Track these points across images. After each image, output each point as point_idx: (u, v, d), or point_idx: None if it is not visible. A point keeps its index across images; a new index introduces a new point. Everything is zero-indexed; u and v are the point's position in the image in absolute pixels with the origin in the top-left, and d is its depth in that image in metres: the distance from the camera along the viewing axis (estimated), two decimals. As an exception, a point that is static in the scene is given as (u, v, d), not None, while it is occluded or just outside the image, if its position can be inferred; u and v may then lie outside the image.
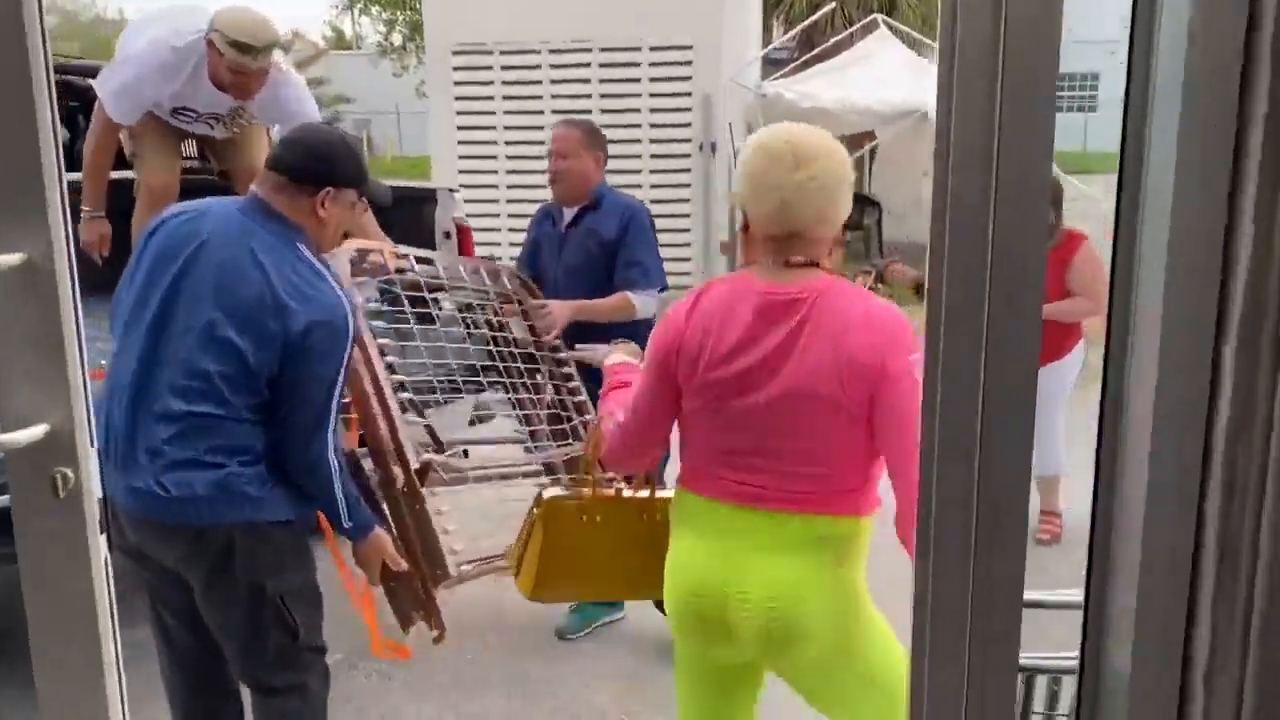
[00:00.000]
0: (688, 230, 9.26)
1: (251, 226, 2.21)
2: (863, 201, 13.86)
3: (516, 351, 3.30)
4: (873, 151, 15.62)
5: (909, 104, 11.23)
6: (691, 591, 1.89)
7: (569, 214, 3.47)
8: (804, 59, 14.48)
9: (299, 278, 2.16)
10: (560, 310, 3.33)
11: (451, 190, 4.15)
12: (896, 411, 1.72)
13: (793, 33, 15.57)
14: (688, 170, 9.14)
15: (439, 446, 2.91)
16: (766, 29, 17.12)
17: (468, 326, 3.35)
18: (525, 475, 3.25)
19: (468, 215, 9.44)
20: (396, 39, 23.66)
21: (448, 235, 4.10)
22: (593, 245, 3.39)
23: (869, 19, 14.57)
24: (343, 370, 2.19)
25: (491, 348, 3.24)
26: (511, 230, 9.53)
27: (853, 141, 14.56)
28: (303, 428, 2.18)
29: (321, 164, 2.27)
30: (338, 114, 35.49)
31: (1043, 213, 0.98)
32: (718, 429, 1.86)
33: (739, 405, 1.82)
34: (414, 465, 2.70)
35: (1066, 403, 4.37)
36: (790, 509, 1.81)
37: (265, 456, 2.18)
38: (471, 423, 3.78)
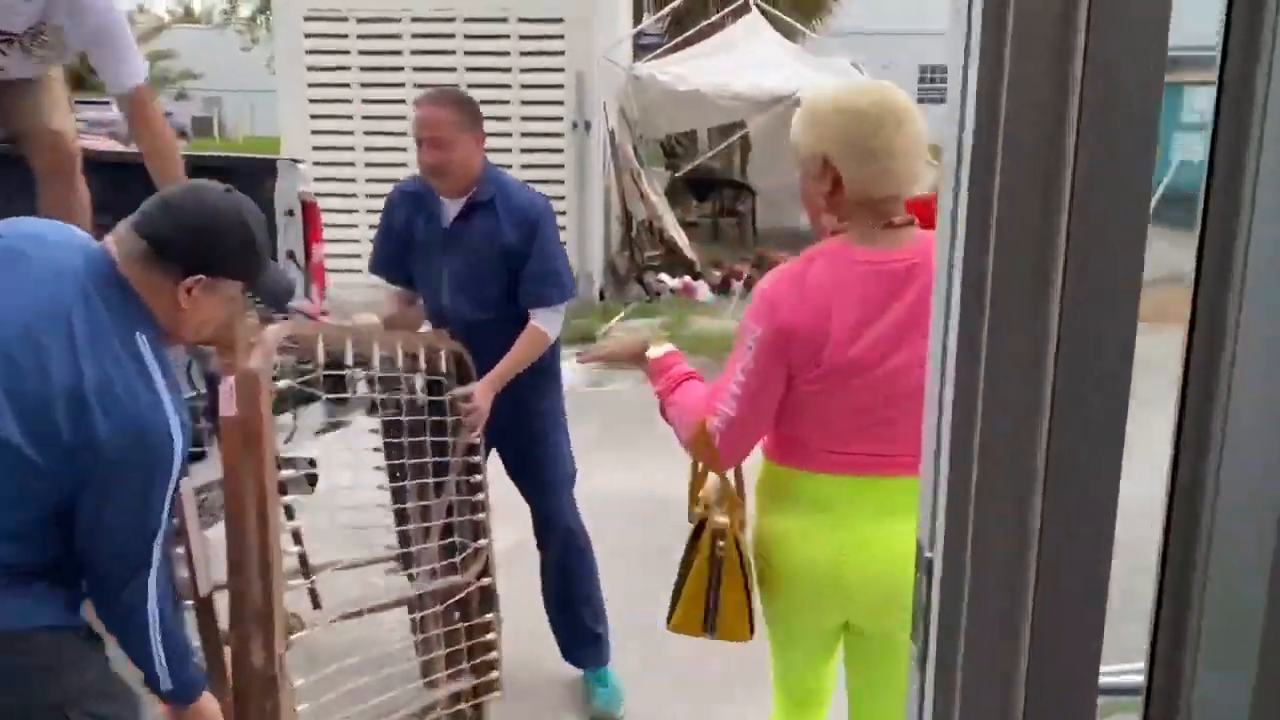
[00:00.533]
0: (563, 213, 8.74)
1: (82, 291, 1.67)
2: (738, 188, 13.71)
3: (429, 459, 2.69)
4: (744, 137, 15.50)
5: (783, 89, 11.04)
6: (811, 561, 1.89)
7: (452, 208, 2.88)
8: (674, 42, 14.23)
9: (118, 372, 1.64)
10: (485, 398, 2.75)
11: (295, 161, 3.59)
12: None
13: (663, 13, 15.23)
14: (561, 150, 8.67)
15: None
16: (636, 10, 16.76)
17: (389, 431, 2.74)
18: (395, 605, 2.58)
19: (321, 194, 8.86)
20: (245, 10, 22.28)
21: (290, 213, 3.54)
22: (487, 250, 2.85)
23: (739, 2, 14.40)
24: (164, 501, 1.68)
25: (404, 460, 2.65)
26: (370, 212, 8.88)
27: (724, 128, 14.42)
28: (110, 568, 1.69)
29: (200, 242, 1.75)
30: (184, 91, 33.78)
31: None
32: (839, 407, 1.82)
33: (865, 380, 1.78)
34: (280, 649, 2.00)
35: None
36: (904, 474, 1.78)
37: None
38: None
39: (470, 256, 2.86)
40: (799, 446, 1.87)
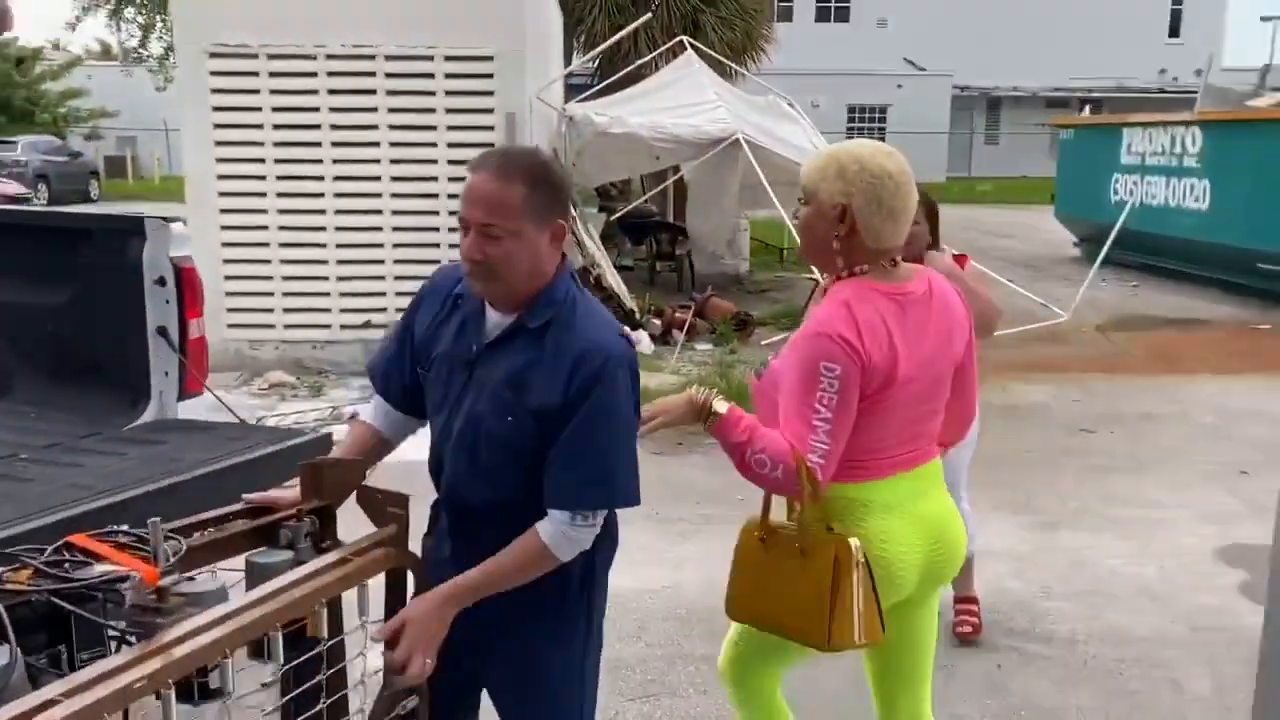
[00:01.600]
0: (491, 263, 8.18)
1: None
2: (674, 231, 13.25)
3: None
4: (679, 181, 15.08)
5: (723, 132, 10.64)
6: (901, 555, 2.21)
7: (495, 322, 2.03)
8: (606, 83, 13.81)
9: None
10: (425, 631, 1.89)
11: (166, 220, 2.96)
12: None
13: (595, 53, 14.81)
14: (490, 196, 8.08)
15: None
16: (567, 53, 16.33)
17: None
18: None
19: (230, 244, 8.17)
20: (157, 48, 21.35)
21: (161, 282, 2.92)
22: (513, 403, 1.96)
23: (675, 40, 14.03)
24: None
25: None
26: (284, 263, 8.21)
27: (658, 173, 13.98)
28: None
29: None
30: (97, 130, 32.54)
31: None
32: (891, 419, 2.16)
33: (912, 391, 2.15)
34: None
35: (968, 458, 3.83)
36: (929, 459, 2.30)
37: None
38: None
39: (491, 401, 1.98)
40: (858, 463, 2.16)
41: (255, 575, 1.93)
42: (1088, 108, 20.96)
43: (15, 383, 3.10)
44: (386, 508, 2.01)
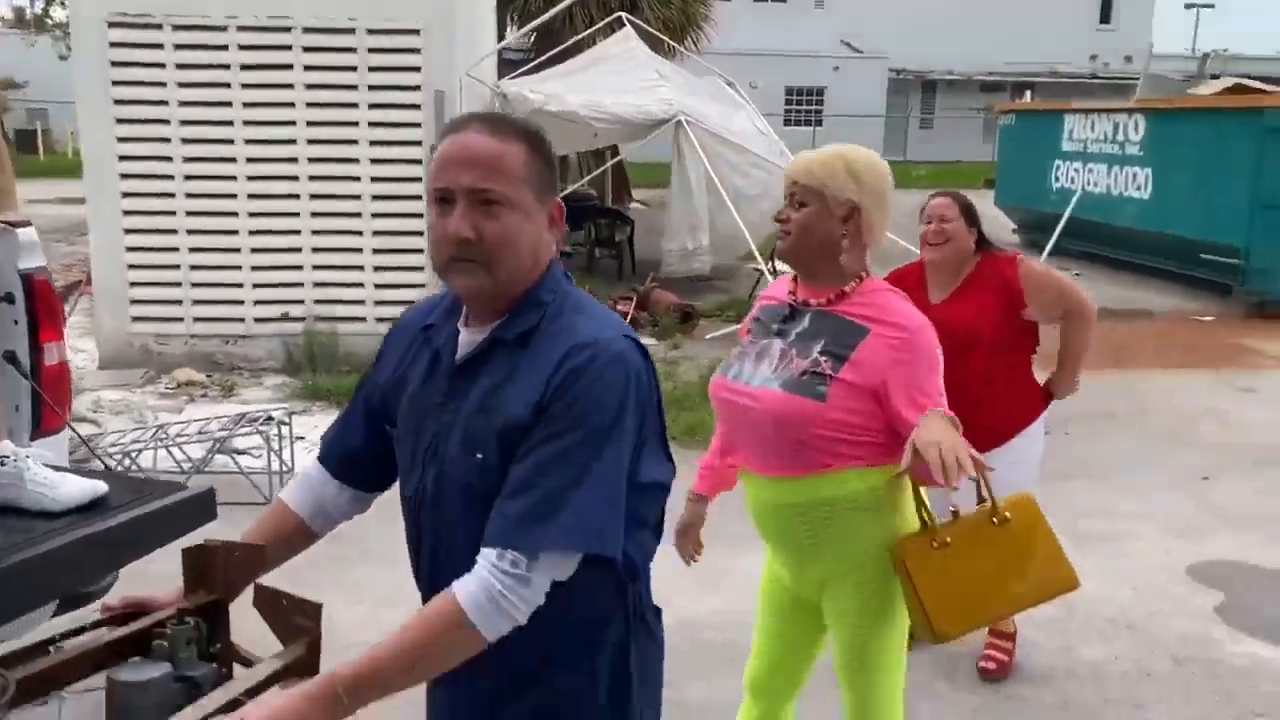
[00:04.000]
0: (419, 251, 7.69)
1: None
2: (614, 216, 12.82)
3: None
4: (619, 164, 14.64)
5: (664, 110, 10.21)
6: None
7: (467, 339, 1.59)
8: (541, 59, 13.29)
9: None
10: None
11: (11, 225, 2.45)
12: None
13: (529, 28, 14.27)
14: (418, 179, 7.57)
15: None
16: (500, 25, 15.75)
17: None
18: None
19: (131, 230, 7.53)
20: (61, 14, 20.17)
21: (8, 299, 2.42)
22: (485, 429, 1.51)
23: (612, 16, 13.55)
24: None
25: None
26: (193, 251, 7.61)
27: (597, 151, 13.54)
28: None
29: None
30: (5, 101, 30.94)
31: None
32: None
33: None
34: None
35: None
36: None
37: None
38: None
39: (463, 440, 1.53)
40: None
41: (119, 698, 1.49)
42: (1029, 93, 20.92)
43: None
44: (294, 618, 1.57)
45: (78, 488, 2.09)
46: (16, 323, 2.44)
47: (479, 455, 1.50)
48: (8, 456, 2.07)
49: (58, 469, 2.17)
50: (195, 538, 1.73)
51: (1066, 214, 10.14)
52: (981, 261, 3.42)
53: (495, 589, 1.42)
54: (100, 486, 2.11)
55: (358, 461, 1.74)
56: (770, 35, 31.79)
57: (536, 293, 1.55)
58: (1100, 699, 3.58)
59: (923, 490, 2.24)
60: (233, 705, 1.40)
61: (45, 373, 2.52)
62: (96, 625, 1.58)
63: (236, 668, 1.62)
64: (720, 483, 2.54)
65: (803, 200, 2.21)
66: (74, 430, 2.57)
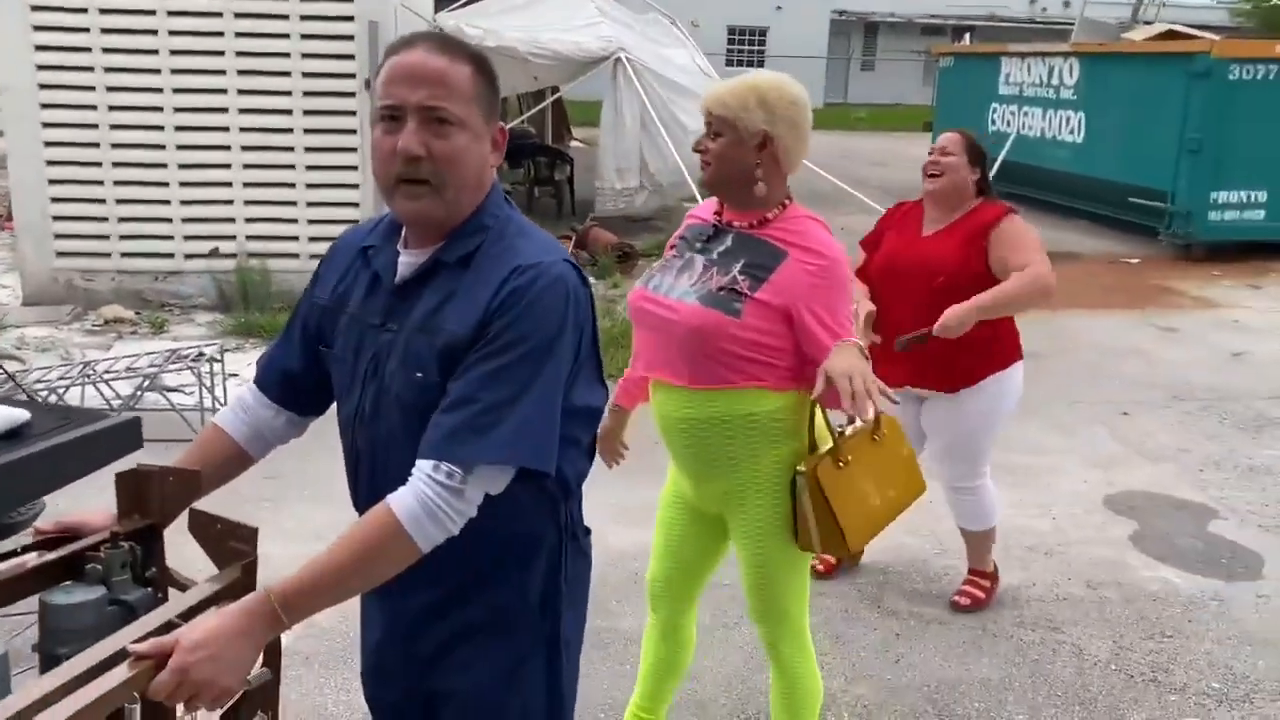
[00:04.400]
0: (354, 186, 7.58)
1: None
2: (553, 155, 12.70)
3: None
4: (558, 101, 14.47)
5: (603, 48, 10.11)
6: None
7: (409, 260, 1.59)
8: (480, -8, 13.03)
9: None
10: (207, 693, 1.35)
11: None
12: None
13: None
14: (352, 113, 7.43)
15: None
16: (437, -44, 15.36)
17: None
18: None
19: (55, 165, 7.29)
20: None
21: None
22: (426, 348, 1.53)
23: (552, -49, 13.30)
24: None
25: None
26: (119, 184, 7.41)
27: (536, 92, 13.33)
28: None
29: None
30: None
31: None
32: None
33: None
34: None
35: (992, 434, 3.67)
36: None
37: None
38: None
39: (403, 358, 1.55)
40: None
41: (53, 620, 1.49)
42: (967, 36, 21.01)
43: None
44: (229, 542, 1.58)
45: None
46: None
47: (419, 374, 1.53)
48: (-73, 386, 2.04)
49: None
50: (122, 466, 1.73)
51: (1000, 157, 10.28)
52: (977, 206, 3.51)
53: (430, 499, 1.45)
54: (21, 414, 2.09)
55: (295, 384, 1.75)
56: (713, -27, 31.43)
57: (480, 217, 1.57)
58: (1017, 622, 3.73)
59: (819, 413, 2.33)
60: (168, 627, 1.42)
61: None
62: (27, 550, 1.58)
63: (172, 592, 1.64)
64: (640, 394, 2.60)
65: (718, 131, 2.27)
66: (4, 369, 2.53)
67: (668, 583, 2.63)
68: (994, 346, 3.50)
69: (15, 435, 2.02)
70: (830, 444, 2.31)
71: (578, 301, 1.55)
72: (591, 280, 7.19)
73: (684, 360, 2.26)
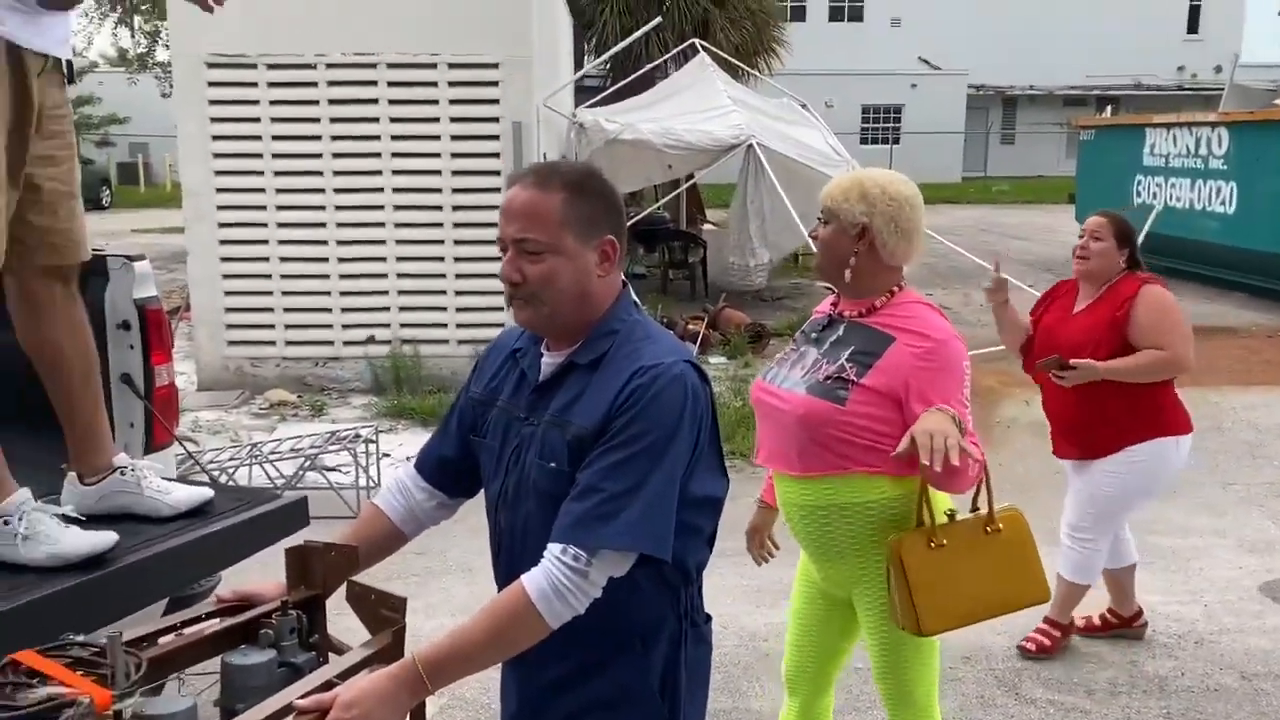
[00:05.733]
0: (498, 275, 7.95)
1: None
2: (686, 239, 13.00)
3: None
4: (692, 187, 14.83)
5: (736, 136, 10.38)
6: None
7: (549, 362, 1.80)
8: (617, 86, 13.56)
9: None
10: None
11: (130, 259, 2.73)
12: None
13: (604, 58, 14.55)
14: (496, 206, 7.83)
15: None
16: (578, 55, 16.11)
17: None
18: None
19: (228, 259, 7.93)
20: (164, 54, 21.18)
21: (125, 326, 2.69)
22: (558, 441, 1.71)
23: (686, 44, 13.79)
24: None
25: None
26: (285, 277, 7.99)
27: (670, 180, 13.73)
28: None
29: None
30: (108, 137, 32.46)
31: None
32: None
33: None
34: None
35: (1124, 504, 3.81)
36: None
37: None
38: None
39: (539, 450, 1.73)
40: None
41: (231, 679, 1.70)
42: (1109, 108, 20.59)
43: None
44: (381, 610, 1.75)
45: (186, 495, 2.33)
46: (132, 347, 2.71)
47: (552, 463, 1.70)
48: (126, 467, 2.31)
49: (167, 480, 2.40)
50: (290, 543, 1.94)
51: (1145, 229, 10.00)
52: (1122, 278, 3.69)
53: (558, 580, 1.60)
54: (206, 493, 2.34)
55: (449, 469, 1.94)
56: (846, 54, 31.78)
57: (608, 322, 1.76)
58: (1163, 713, 3.60)
59: (929, 493, 2.34)
60: (328, 686, 1.60)
61: (156, 393, 2.78)
62: (211, 615, 1.79)
63: (331, 655, 1.82)
64: None
65: (826, 220, 2.41)
66: (183, 445, 2.82)
67: (802, 668, 2.67)
68: (1133, 420, 3.63)
69: (200, 513, 2.26)
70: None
71: (696, 398, 1.69)
72: (723, 360, 7.32)
73: (795, 448, 2.33)
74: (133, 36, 22.49)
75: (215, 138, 7.84)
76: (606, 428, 1.65)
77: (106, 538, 2.04)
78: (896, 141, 31.92)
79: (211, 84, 7.79)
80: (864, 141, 30.72)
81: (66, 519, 2.09)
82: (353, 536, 1.90)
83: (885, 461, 2.26)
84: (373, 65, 7.80)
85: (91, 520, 2.15)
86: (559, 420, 1.72)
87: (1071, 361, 3.54)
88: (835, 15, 34.86)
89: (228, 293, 8.03)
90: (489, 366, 1.91)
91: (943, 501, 2.34)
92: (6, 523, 2.00)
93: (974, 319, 9.03)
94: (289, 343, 8.10)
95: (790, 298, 11.63)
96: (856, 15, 35.01)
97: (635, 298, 1.84)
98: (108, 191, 27.65)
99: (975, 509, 2.33)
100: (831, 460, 2.29)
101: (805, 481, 2.36)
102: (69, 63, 2.13)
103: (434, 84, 7.85)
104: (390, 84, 7.84)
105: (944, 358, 2.27)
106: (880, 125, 33.32)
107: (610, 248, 1.75)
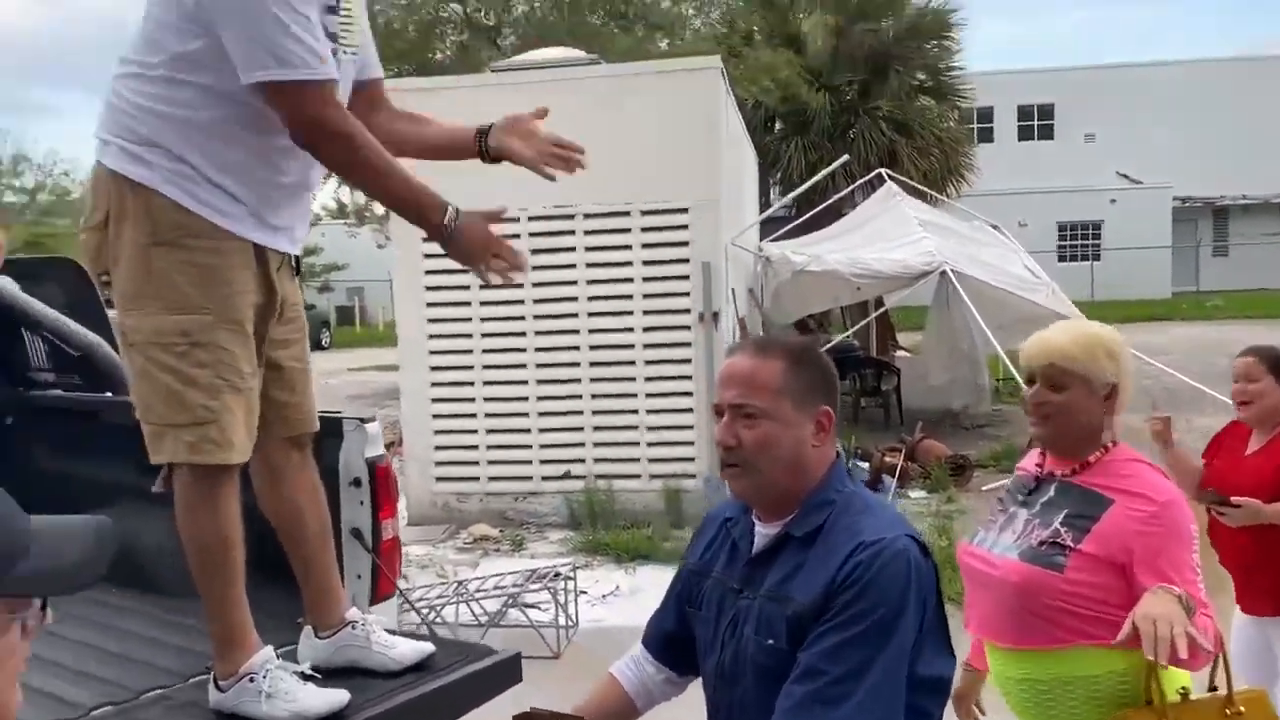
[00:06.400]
0: (690, 410, 8.09)
1: None
2: (880, 366, 12.85)
3: None
4: (883, 314, 14.71)
5: (928, 263, 10.30)
6: None
7: (762, 533, 1.81)
8: (804, 218, 13.72)
9: None
10: None
11: (362, 421, 2.96)
12: None
13: (791, 196, 14.80)
14: (688, 344, 8.04)
15: None
16: (763, 190, 16.46)
17: None
18: None
19: (438, 402, 8.41)
20: (380, 208, 23.02)
21: (356, 483, 2.90)
22: (776, 616, 1.70)
23: (873, 174, 13.87)
24: None
25: None
26: (489, 416, 8.39)
27: (860, 305, 13.70)
28: None
29: None
30: (328, 283, 35.24)
31: None
32: None
33: None
34: None
35: None
36: None
37: None
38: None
39: (757, 625, 1.72)
40: None
41: None
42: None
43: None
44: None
45: (411, 649, 2.45)
46: (362, 503, 2.91)
47: (770, 640, 1.69)
48: (358, 622, 2.46)
49: (390, 631, 2.54)
50: (504, 698, 2.01)
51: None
52: None
53: None
54: (428, 648, 2.45)
55: (672, 644, 1.96)
56: (1038, 172, 31.14)
57: (823, 493, 1.75)
58: None
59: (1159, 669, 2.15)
60: None
61: (382, 545, 2.97)
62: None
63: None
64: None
65: (1061, 384, 2.23)
66: (406, 599, 2.99)
67: None
68: None
69: (422, 667, 2.37)
70: None
71: (919, 575, 1.66)
72: (924, 494, 7.09)
73: (1009, 619, 2.21)
74: (352, 192, 24.61)
75: (429, 288, 8.41)
76: (827, 605, 1.62)
77: (341, 696, 2.16)
78: (1097, 258, 30.76)
79: (425, 239, 8.38)
80: (1062, 259, 29.74)
81: (304, 676, 2.23)
82: (588, 704, 1.94)
83: (1109, 633, 2.10)
84: (571, 215, 8.24)
85: (323, 674, 2.29)
86: (777, 595, 1.70)
87: (1233, 499, 3.18)
88: (1025, 134, 34.36)
89: (436, 431, 8.47)
90: (703, 537, 1.95)
91: (1176, 678, 2.16)
92: (252, 679, 2.15)
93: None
94: (491, 478, 8.44)
95: (991, 425, 11.23)
96: (1046, 134, 34.38)
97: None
98: (327, 333, 29.86)
99: (1213, 688, 2.13)
100: (1050, 632, 2.16)
101: (1021, 654, 2.23)
102: (298, 258, 2.39)
103: (627, 230, 8.20)
104: (587, 232, 8.25)
105: (1170, 522, 2.12)
106: (1078, 242, 32.23)
107: (826, 418, 1.78)
